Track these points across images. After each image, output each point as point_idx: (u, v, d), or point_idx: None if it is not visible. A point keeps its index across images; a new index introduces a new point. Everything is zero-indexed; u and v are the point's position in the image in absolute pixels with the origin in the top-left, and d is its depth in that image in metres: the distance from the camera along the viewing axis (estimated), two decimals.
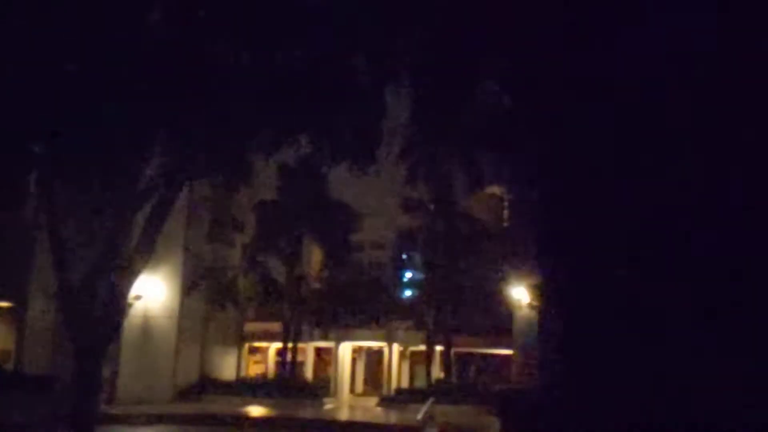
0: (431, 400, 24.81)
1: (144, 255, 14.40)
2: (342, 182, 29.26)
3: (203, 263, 29.40)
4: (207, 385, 29.67)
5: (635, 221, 8.70)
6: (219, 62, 13.00)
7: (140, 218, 14.73)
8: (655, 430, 8.40)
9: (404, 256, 33.80)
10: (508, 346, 27.87)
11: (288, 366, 31.34)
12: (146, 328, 27.34)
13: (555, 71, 10.02)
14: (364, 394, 34.61)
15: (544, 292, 18.43)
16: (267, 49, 13.12)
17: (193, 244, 29.02)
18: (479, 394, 26.57)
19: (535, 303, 21.74)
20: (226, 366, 32.77)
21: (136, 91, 12.15)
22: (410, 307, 33.78)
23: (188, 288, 28.55)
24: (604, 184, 9.13)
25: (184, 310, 28.49)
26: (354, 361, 35.78)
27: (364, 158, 15.57)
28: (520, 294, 23.37)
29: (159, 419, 22.51)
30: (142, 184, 14.42)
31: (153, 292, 27.11)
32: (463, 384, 31.08)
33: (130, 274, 14.28)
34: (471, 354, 33.48)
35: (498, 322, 28.26)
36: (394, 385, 33.42)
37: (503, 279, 25.95)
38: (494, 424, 18.60)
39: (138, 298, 25.00)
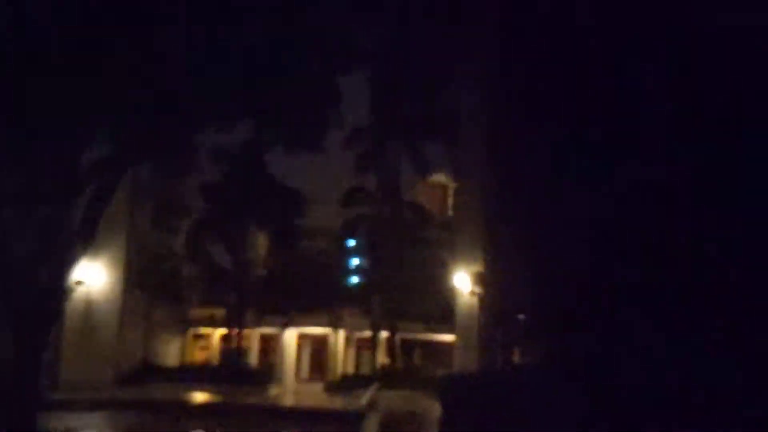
0: (375, 385, 25.07)
1: (85, 241, 14.26)
2: (290, 168, 29.30)
3: (147, 249, 29.11)
4: (150, 371, 29.41)
5: (582, 209, 8.86)
6: (163, 44, 12.90)
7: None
8: (601, 415, 8.58)
9: (351, 243, 33.97)
10: (451, 332, 28.25)
11: (233, 352, 31.26)
12: (88, 313, 26.97)
13: (509, 64, 10.19)
14: (310, 380, 34.72)
15: (485, 279, 18.77)
16: (216, 32, 13.07)
17: (137, 229, 28.69)
18: (423, 379, 26.91)
19: (477, 290, 22.11)
20: (170, 352, 32.54)
21: (76, 73, 12.02)
22: (356, 293, 33.98)
23: (132, 284, 28.18)
24: (550, 172, 9.29)
25: (127, 296, 28.18)
26: (300, 347, 35.84)
27: (309, 143, 15.61)
28: (462, 281, 23.70)
29: (101, 405, 22.28)
30: (83, 169, 14.26)
31: (95, 278, 26.78)
32: (408, 369, 31.41)
33: (70, 260, 14.13)
34: (415, 340, 33.85)
35: (441, 308, 28.62)
36: (339, 371, 33.61)
37: (446, 266, 26.29)
38: (437, 408, 18.89)
39: (79, 283, 24.69)
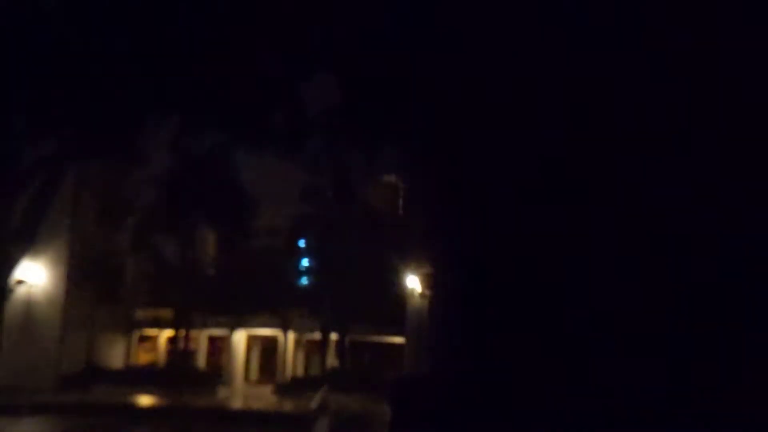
0: (325, 388, 24.91)
1: (26, 240, 13.89)
2: (240, 165, 28.96)
3: (91, 247, 28.43)
4: (94, 373, 28.79)
5: (531, 209, 8.89)
6: (120, 45, 12.63)
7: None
8: (549, 416, 8.59)
9: (301, 244, 33.75)
10: (401, 334, 28.23)
11: (180, 354, 30.78)
12: (29, 314, 26.32)
13: (461, 67, 10.17)
14: (259, 382, 34.41)
15: (434, 281, 18.74)
16: (172, 32, 12.84)
17: (81, 226, 28.01)
18: (373, 381, 26.83)
19: (426, 292, 22.09)
20: (115, 354, 31.92)
21: (24, 67, 11.69)
22: (306, 294, 33.76)
23: (75, 283, 27.50)
24: (501, 173, 9.31)
25: (70, 296, 27.53)
26: (248, 349, 35.48)
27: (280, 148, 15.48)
28: (412, 283, 23.68)
29: (42, 409, 21.73)
30: (25, 166, 13.87)
31: (36, 278, 26.16)
32: (358, 372, 31.32)
33: (10, 260, 13.74)
34: (365, 342, 33.77)
35: (391, 310, 28.57)
36: (288, 373, 33.37)
37: (397, 268, 26.24)
38: (386, 411, 18.82)
39: (20, 283, 24.04)
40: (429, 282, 21.41)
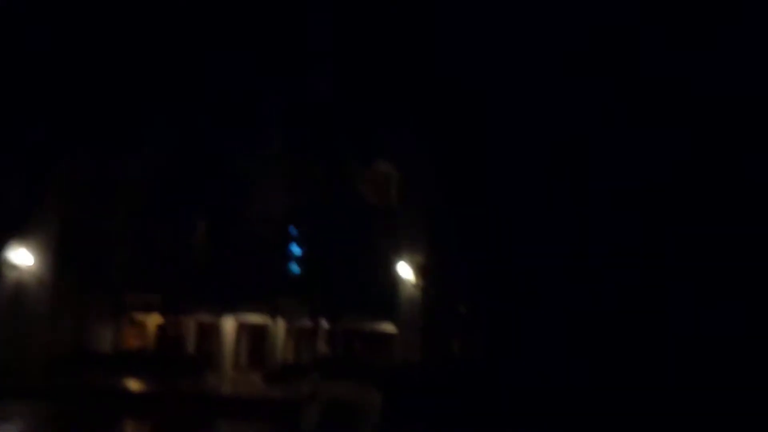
0: (315, 375, 24.90)
1: (18, 224, 13.74)
2: (233, 152, 28.81)
3: (81, 232, 28.24)
4: (83, 358, 28.67)
5: (530, 197, 8.87)
6: (116, 35, 12.49)
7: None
8: (541, 408, 8.59)
9: (292, 231, 33.61)
10: (392, 323, 28.19)
11: (169, 339, 30.69)
12: (17, 298, 26.13)
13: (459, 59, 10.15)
14: (248, 369, 34.31)
15: (428, 271, 18.74)
16: (163, 21, 12.71)
17: (71, 211, 27.80)
18: (364, 369, 26.81)
19: (419, 281, 22.08)
20: (104, 338, 31.75)
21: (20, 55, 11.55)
22: (297, 282, 33.65)
23: (64, 268, 27.33)
24: (503, 160, 9.28)
25: (59, 280, 27.35)
26: (238, 335, 35.36)
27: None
28: (405, 271, 23.67)
29: (30, 393, 21.63)
30: (18, 150, 13.73)
31: (26, 261, 25.99)
32: (348, 360, 31.28)
33: (3, 242, 13.60)
34: (356, 330, 33.69)
35: (383, 299, 28.51)
36: (279, 360, 33.30)
37: (390, 256, 26.19)
38: (377, 399, 18.80)
39: (9, 267, 23.89)
40: (422, 271, 21.41)
